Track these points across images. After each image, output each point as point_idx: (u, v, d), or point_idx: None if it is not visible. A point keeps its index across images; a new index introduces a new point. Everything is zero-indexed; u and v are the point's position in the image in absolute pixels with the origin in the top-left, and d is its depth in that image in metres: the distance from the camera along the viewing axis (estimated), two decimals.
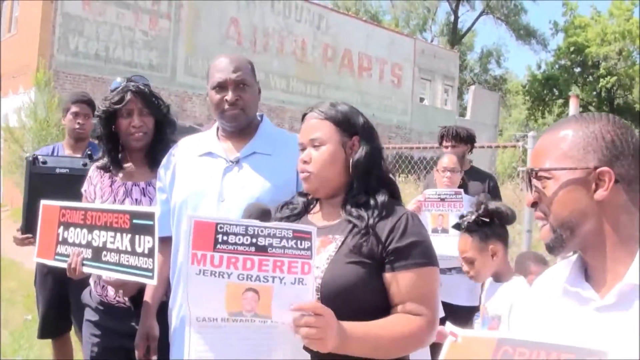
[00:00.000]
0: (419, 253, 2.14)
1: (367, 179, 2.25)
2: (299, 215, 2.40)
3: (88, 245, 2.84)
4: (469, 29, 52.89)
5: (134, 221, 2.67)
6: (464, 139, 5.74)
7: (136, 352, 2.91)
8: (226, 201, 2.74)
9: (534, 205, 1.68)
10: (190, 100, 22.64)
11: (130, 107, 3.17)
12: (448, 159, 5.08)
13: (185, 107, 22.35)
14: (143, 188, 3.23)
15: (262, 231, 1.89)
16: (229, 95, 2.79)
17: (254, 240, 1.88)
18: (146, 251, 2.59)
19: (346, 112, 2.30)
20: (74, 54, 19.68)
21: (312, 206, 2.43)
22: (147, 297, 2.97)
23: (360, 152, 2.26)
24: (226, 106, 2.80)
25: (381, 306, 2.15)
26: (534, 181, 1.66)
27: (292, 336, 1.88)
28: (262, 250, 1.87)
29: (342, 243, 2.17)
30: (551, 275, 1.79)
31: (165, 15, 22.17)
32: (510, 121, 53.86)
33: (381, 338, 2.03)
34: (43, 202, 3.13)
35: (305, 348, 1.91)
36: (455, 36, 50.24)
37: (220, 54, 3.03)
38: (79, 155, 4.55)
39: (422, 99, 34.61)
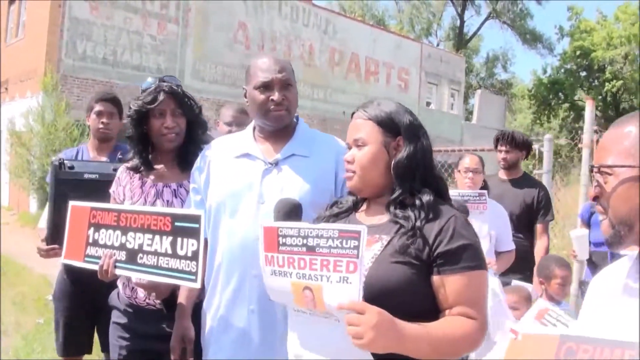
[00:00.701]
0: (469, 256, 2.10)
1: (410, 180, 2.22)
2: (347, 213, 2.39)
3: (122, 247, 2.79)
4: (474, 33, 52.86)
5: (176, 224, 2.61)
6: (519, 145, 5.69)
7: (172, 355, 2.87)
8: (266, 203, 2.70)
9: (596, 199, 1.68)
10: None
11: (163, 107, 3.12)
12: (469, 159, 5.00)
13: None
14: (174, 189, 3.18)
15: (311, 232, 1.97)
16: (276, 96, 2.76)
17: (305, 241, 1.97)
18: (189, 254, 2.54)
19: (390, 112, 2.28)
20: (81, 58, 19.64)
21: (360, 205, 2.40)
22: (182, 298, 2.93)
23: (402, 153, 2.24)
24: (272, 106, 2.77)
25: (426, 309, 2.11)
26: (597, 176, 1.65)
27: None
28: (311, 250, 1.95)
29: (388, 243, 2.15)
30: (610, 273, 1.78)
31: (174, 19, 22.16)
32: (516, 125, 53.77)
33: (440, 339, 2.00)
34: (72, 203, 3.08)
35: None
36: (461, 40, 50.26)
37: (262, 55, 2.98)
38: (104, 158, 4.43)
39: (428, 103, 34.63)
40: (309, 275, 1.94)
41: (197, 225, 2.54)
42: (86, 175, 3.82)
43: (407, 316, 1.98)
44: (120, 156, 3.93)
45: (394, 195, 2.22)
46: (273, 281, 2.06)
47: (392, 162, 2.23)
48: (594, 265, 5.87)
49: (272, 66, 2.79)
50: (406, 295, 2.05)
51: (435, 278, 2.10)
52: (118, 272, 2.81)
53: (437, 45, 48.48)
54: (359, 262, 1.86)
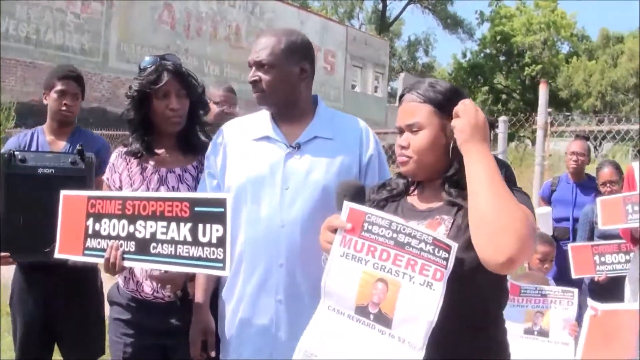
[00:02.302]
0: (522, 200, 2.03)
1: None
2: (398, 196, 2.28)
3: (130, 237, 2.57)
4: (396, 18, 53.43)
5: (196, 209, 2.42)
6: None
7: (191, 348, 2.73)
8: (290, 189, 2.60)
9: None
10: (123, 86, 21.77)
11: (168, 88, 2.90)
12: None
13: (118, 94, 21.65)
14: (179, 175, 2.99)
15: (404, 229, 1.92)
16: (249, 76, 2.70)
17: (395, 235, 1.92)
18: (214, 240, 2.36)
19: (446, 93, 2.16)
20: (4, 37, 18.78)
21: (412, 188, 2.30)
22: (199, 289, 2.78)
23: None
24: (251, 87, 2.71)
25: (494, 280, 2.03)
26: None
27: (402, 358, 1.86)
28: (400, 245, 1.90)
29: (452, 224, 2.08)
30: None
31: None
32: None
33: (498, 180, 1.96)
34: (64, 193, 2.81)
35: None
36: (383, 24, 50.67)
37: (263, 33, 2.83)
38: (63, 143, 3.98)
39: (353, 86, 34.91)
40: (389, 269, 1.88)
41: (222, 210, 2.36)
42: (40, 170, 3.40)
43: (479, 291, 2.02)
44: (79, 146, 3.51)
45: (450, 173, 2.13)
46: (340, 264, 1.96)
47: (452, 144, 2.12)
48: (556, 239, 6.02)
49: (257, 45, 2.71)
50: (477, 273, 1.96)
51: None
52: (127, 264, 2.60)
53: (360, 28, 48.69)
54: (446, 273, 1.84)
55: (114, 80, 21.69)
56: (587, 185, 6.10)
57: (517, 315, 3.60)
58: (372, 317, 1.89)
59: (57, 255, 2.80)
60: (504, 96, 48.15)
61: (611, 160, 6.37)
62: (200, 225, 2.40)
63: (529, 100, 44.68)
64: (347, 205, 2.00)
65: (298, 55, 2.71)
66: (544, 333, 3.60)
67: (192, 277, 2.78)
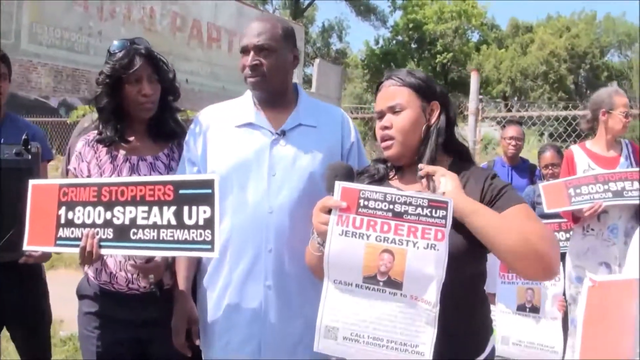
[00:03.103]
0: (516, 198, 2.14)
1: (442, 143, 2.27)
2: (380, 181, 2.36)
3: (107, 224, 2.50)
4: (310, 3, 53.32)
5: (181, 192, 2.39)
6: None
7: (174, 337, 2.68)
8: (277, 175, 2.60)
9: None
10: (36, 70, 21.17)
11: (140, 72, 2.83)
12: None
13: (30, 78, 20.83)
14: (151, 162, 2.91)
15: (399, 199, 1.99)
16: (247, 60, 2.65)
17: (392, 206, 1.99)
18: (201, 222, 2.33)
19: (424, 78, 2.30)
20: None
21: (392, 173, 2.39)
22: (181, 277, 2.74)
23: (441, 117, 2.28)
24: (248, 71, 2.66)
25: (479, 272, 2.21)
26: None
27: (417, 313, 1.94)
28: (398, 215, 1.98)
29: None
30: None
31: None
32: (346, 94, 55.26)
33: (499, 217, 2.03)
34: (32, 182, 2.69)
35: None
36: (297, 9, 50.49)
37: (256, 18, 2.82)
38: None
39: None
40: (392, 239, 1.96)
41: (209, 191, 2.33)
42: None
43: (470, 274, 2.15)
44: (25, 136, 3.21)
45: (427, 157, 2.23)
46: (340, 242, 2.00)
47: (431, 127, 2.26)
48: None
49: (253, 30, 2.68)
50: (469, 255, 2.08)
51: None
52: (104, 251, 2.52)
53: (274, 13, 48.39)
54: (446, 231, 1.93)
55: (26, 64, 20.78)
56: (522, 168, 6.33)
57: (509, 293, 3.80)
58: (381, 284, 1.96)
59: (27, 247, 2.69)
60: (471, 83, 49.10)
61: (552, 144, 6.59)
62: (186, 208, 2.37)
63: None
64: (340, 184, 2.04)
65: (291, 42, 2.75)
66: (535, 310, 3.81)
67: (167, 266, 2.74)
